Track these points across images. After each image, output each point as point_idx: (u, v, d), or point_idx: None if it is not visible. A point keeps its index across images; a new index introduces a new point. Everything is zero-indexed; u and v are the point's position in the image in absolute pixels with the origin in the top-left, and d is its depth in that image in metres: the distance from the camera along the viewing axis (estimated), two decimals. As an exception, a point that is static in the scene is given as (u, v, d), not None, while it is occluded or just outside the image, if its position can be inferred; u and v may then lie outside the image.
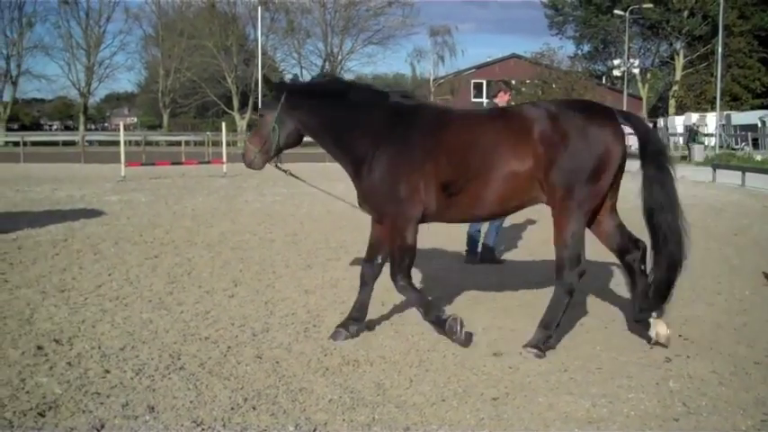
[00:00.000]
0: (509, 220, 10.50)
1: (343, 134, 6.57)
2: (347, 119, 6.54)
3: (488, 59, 76.97)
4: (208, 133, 43.82)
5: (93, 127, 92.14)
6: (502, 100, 10.00)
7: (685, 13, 70.59)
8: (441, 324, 6.44)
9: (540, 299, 8.10)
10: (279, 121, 6.57)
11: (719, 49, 49.67)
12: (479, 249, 10.34)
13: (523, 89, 57.14)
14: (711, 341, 6.60)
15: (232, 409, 4.91)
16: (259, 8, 61.46)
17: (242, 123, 69.46)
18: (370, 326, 6.95)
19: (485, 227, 10.24)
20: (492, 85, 10.20)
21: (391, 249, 6.54)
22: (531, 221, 13.66)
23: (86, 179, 24.86)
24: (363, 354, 6.12)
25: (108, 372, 5.57)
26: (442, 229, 13.26)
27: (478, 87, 74.10)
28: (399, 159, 6.35)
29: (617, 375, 5.68)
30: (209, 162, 31.16)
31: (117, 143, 31.58)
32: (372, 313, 7.40)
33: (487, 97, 10.30)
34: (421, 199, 6.35)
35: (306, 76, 76.59)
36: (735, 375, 5.70)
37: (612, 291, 8.57)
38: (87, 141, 51.19)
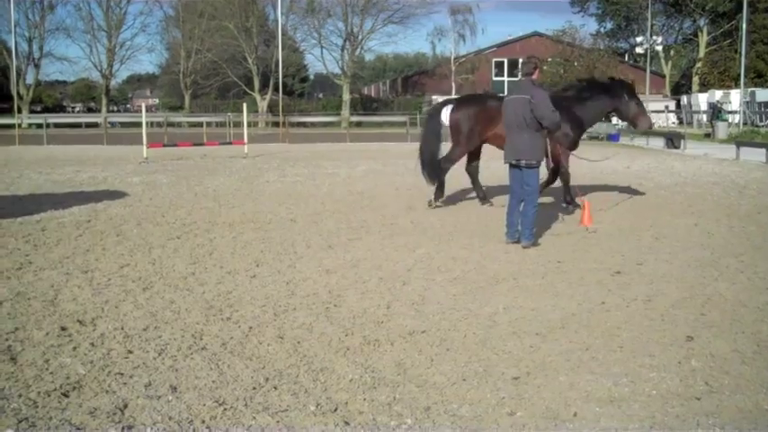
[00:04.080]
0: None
1: None
2: None
3: (509, 38, 76.58)
4: (229, 114, 43.83)
5: (115, 108, 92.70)
6: (537, 77, 10.10)
7: (709, -10, 69.76)
8: None
9: (560, 278, 8.10)
10: None
11: (743, 26, 49.04)
12: (519, 228, 10.03)
13: (545, 67, 56.65)
14: (734, 320, 6.56)
15: (254, 388, 4.94)
16: (279, -12, 61.26)
17: (263, 104, 69.38)
18: (391, 306, 6.97)
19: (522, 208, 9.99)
20: (526, 63, 10.12)
21: None
22: (555, 204, 13.64)
23: (109, 161, 25.00)
24: (384, 333, 6.14)
25: (131, 352, 5.62)
26: (462, 209, 13.28)
27: (500, 66, 73.86)
28: None
29: (638, 354, 5.66)
30: (230, 143, 31.16)
31: (139, 124, 31.66)
32: (393, 293, 7.43)
33: (522, 75, 10.21)
34: None
35: (326, 57, 76.54)
36: (757, 354, 5.67)
37: (634, 268, 8.53)
38: (109, 123, 51.43)
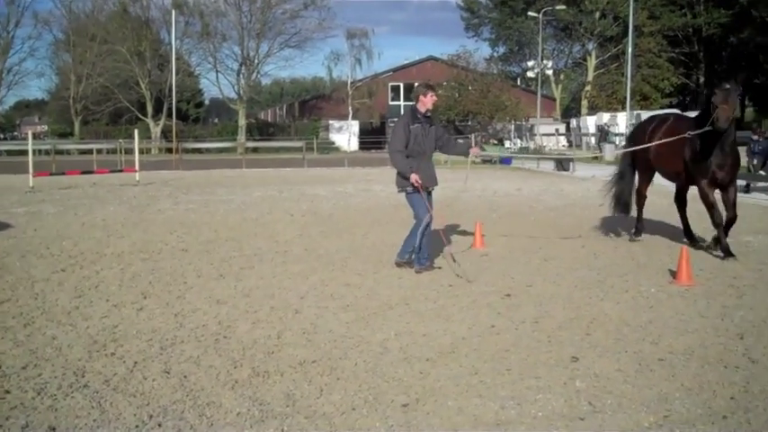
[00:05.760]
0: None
1: None
2: None
3: (405, 62, 77.75)
4: (120, 141, 42.77)
5: (1, 136, 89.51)
6: (423, 104, 9.77)
7: (597, 15, 72.23)
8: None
9: (452, 302, 8.17)
10: None
11: (629, 50, 50.92)
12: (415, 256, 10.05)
13: (440, 91, 57.55)
14: (617, 339, 6.73)
15: (137, 426, 4.80)
16: (173, 12, 60.60)
17: (156, 130, 68.29)
18: (282, 335, 6.90)
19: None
20: (414, 89, 10.16)
21: None
22: (449, 228, 13.77)
23: (-7, 190, 24.12)
24: (274, 364, 6.06)
25: (8, 392, 5.39)
26: (354, 235, 13.29)
27: (396, 90, 74.73)
28: None
29: (525, 376, 5.74)
30: (121, 170, 30.48)
31: (26, 152, 30.63)
32: (285, 322, 7.36)
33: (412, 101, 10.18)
34: None
35: (222, 81, 75.94)
36: (639, 373, 5.82)
37: (523, 290, 8.68)
38: (-5, 151, 49.69)
